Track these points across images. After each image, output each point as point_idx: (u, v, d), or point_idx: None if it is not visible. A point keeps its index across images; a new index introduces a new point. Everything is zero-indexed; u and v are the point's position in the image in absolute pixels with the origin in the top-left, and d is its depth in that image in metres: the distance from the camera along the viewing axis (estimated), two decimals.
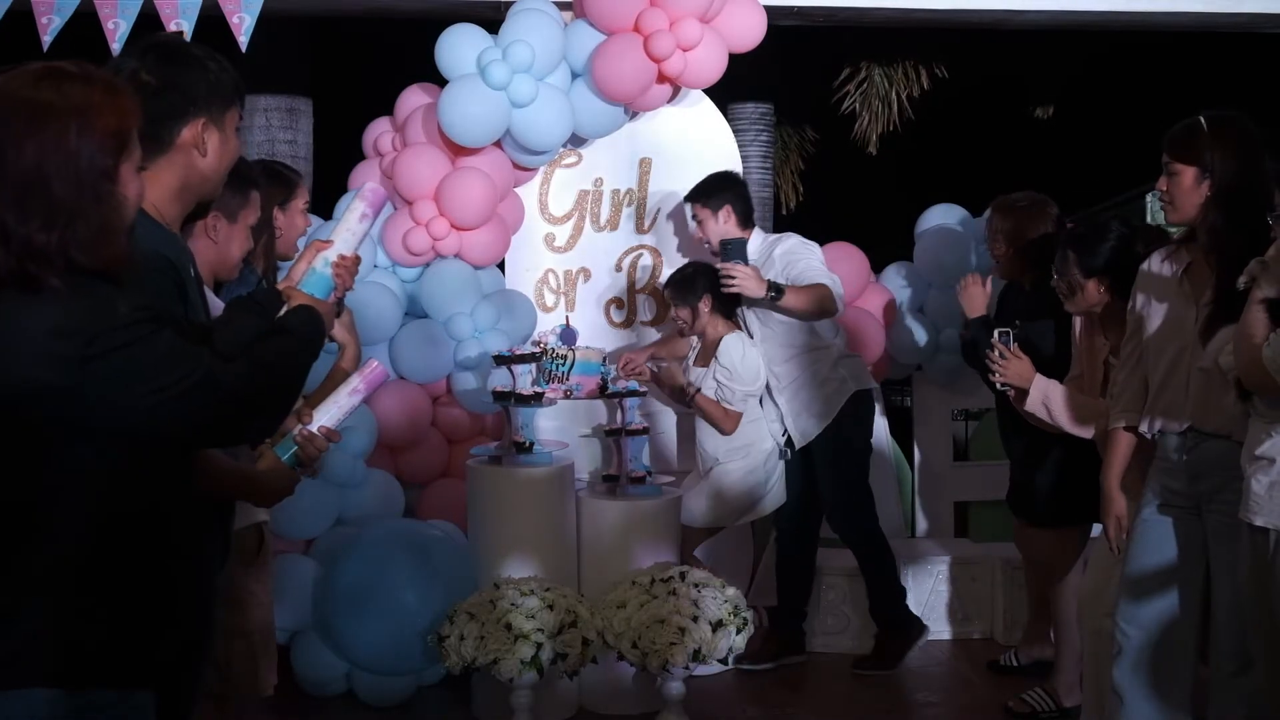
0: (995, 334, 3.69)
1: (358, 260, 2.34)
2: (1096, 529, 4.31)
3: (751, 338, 4.63)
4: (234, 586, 2.81)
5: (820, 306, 4.46)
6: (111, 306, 1.72)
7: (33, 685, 1.74)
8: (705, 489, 4.62)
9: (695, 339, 4.74)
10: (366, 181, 2.41)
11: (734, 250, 4.42)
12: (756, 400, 4.63)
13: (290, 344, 2.04)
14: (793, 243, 4.65)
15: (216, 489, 2.18)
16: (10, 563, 1.75)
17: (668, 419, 5.10)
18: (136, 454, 1.82)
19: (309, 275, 2.25)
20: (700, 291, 4.58)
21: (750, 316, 4.66)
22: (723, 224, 4.64)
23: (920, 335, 5.38)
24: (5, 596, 1.75)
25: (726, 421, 4.56)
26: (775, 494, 4.69)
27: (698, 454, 4.72)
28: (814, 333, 4.62)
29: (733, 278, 4.36)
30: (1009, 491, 4.48)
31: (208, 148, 2.17)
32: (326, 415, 2.32)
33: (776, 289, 4.39)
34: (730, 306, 4.65)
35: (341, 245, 2.30)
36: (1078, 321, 3.85)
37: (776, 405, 4.67)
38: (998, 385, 3.73)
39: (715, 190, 4.69)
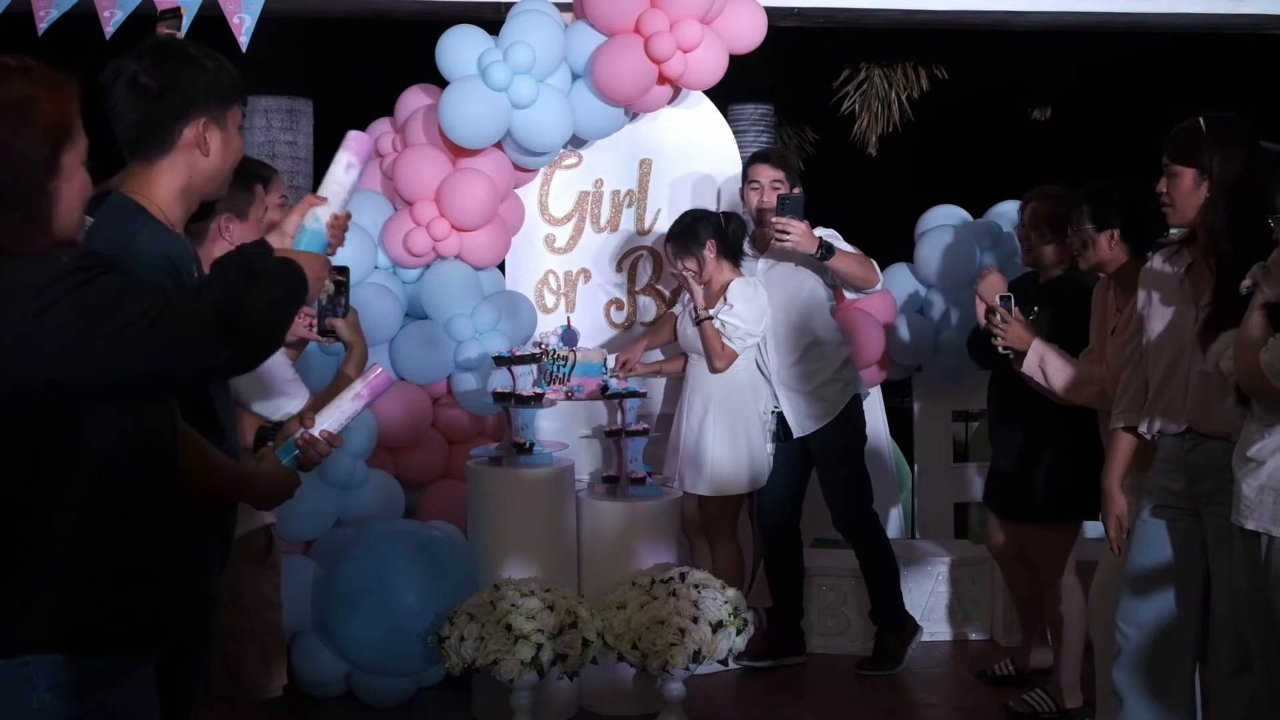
0: (996, 298, 3.78)
1: (348, 217, 2.33)
2: (1095, 530, 4.33)
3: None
4: (243, 589, 2.81)
5: (865, 273, 4.55)
6: (54, 259, 1.71)
7: (29, 652, 1.75)
8: (699, 457, 4.60)
9: (682, 305, 4.78)
10: (351, 130, 2.37)
11: (790, 206, 4.45)
12: (754, 350, 4.65)
13: (265, 283, 2.00)
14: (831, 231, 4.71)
15: (215, 491, 2.17)
16: (7, 532, 1.76)
17: (665, 421, 5.10)
18: (128, 419, 1.83)
19: (301, 234, 2.24)
20: (704, 238, 4.58)
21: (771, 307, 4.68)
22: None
23: (920, 336, 5.38)
24: (4, 565, 1.76)
25: (721, 357, 4.56)
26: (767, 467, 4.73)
27: (684, 399, 4.70)
28: (830, 331, 4.67)
29: (787, 233, 4.39)
30: (989, 489, 4.48)
31: (210, 147, 2.18)
32: (329, 419, 2.31)
33: (827, 248, 4.46)
34: (736, 253, 4.67)
35: (333, 203, 2.28)
36: (1097, 302, 3.84)
37: (775, 395, 4.69)
38: (999, 349, 3.79)
39: (796, 169, 4.78)
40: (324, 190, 2.30)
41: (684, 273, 4.60)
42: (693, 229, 4.61)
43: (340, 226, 2.29)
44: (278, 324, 1.98)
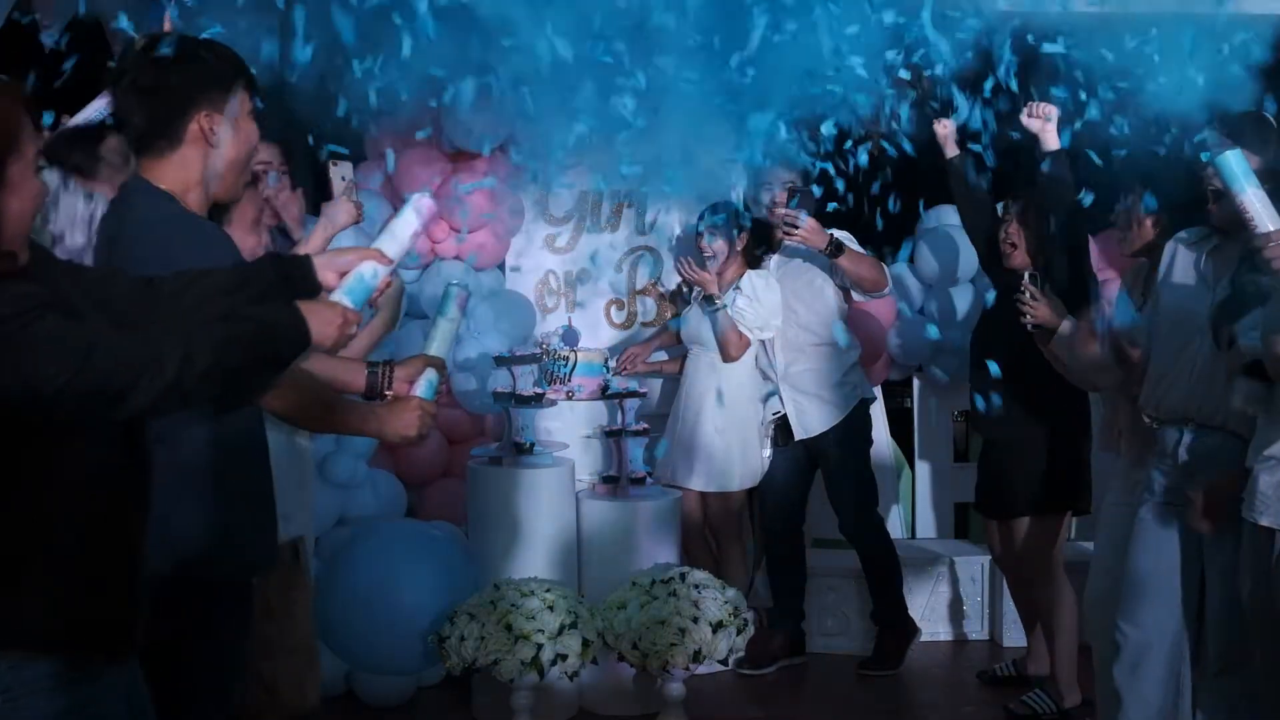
0: (1024, 275, 3.78)
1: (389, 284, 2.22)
2: (1084, 532, 4.32)
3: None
4: (271, 604, 2.80)
5: (873, 274, 4.54)
6: None
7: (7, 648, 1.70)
8: (694, 450, 4.62)
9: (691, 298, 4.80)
10: (418, 195, 2.26)
11: (801, 199, 4.45)
12: (759, 349, 4.66)
13: (240, 330, 1.80)
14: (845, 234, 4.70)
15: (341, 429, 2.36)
16: None
17: (659, 421, 5.09)
18: (99, 436, 1.77)
19: (353, 280, 2.06)
20: (741, 227, 4.62)
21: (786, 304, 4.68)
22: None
23: (920, 336, 5.38)
24: None
25: (738, 345, 4.58)
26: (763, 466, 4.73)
27: (682, 391, 4.72)
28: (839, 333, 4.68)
29: (796, 226, 4.38)
30: (977, 493, 4.47)
31: (217, 137, 2.19)
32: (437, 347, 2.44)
33: (837, 244, 4.44)
34: (758, 258, 4.68)
35: (394, 266, 2.18)
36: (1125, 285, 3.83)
37: (780, 397, 4.68)
38: (1029, 327, 3.75)
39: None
40: (389, 250, 2.13)
41: (706, 253, 4.61)
42: (735, 215, 4.64)
43: (386, 290, 2.18)
44: (233, 384, 1.82)
